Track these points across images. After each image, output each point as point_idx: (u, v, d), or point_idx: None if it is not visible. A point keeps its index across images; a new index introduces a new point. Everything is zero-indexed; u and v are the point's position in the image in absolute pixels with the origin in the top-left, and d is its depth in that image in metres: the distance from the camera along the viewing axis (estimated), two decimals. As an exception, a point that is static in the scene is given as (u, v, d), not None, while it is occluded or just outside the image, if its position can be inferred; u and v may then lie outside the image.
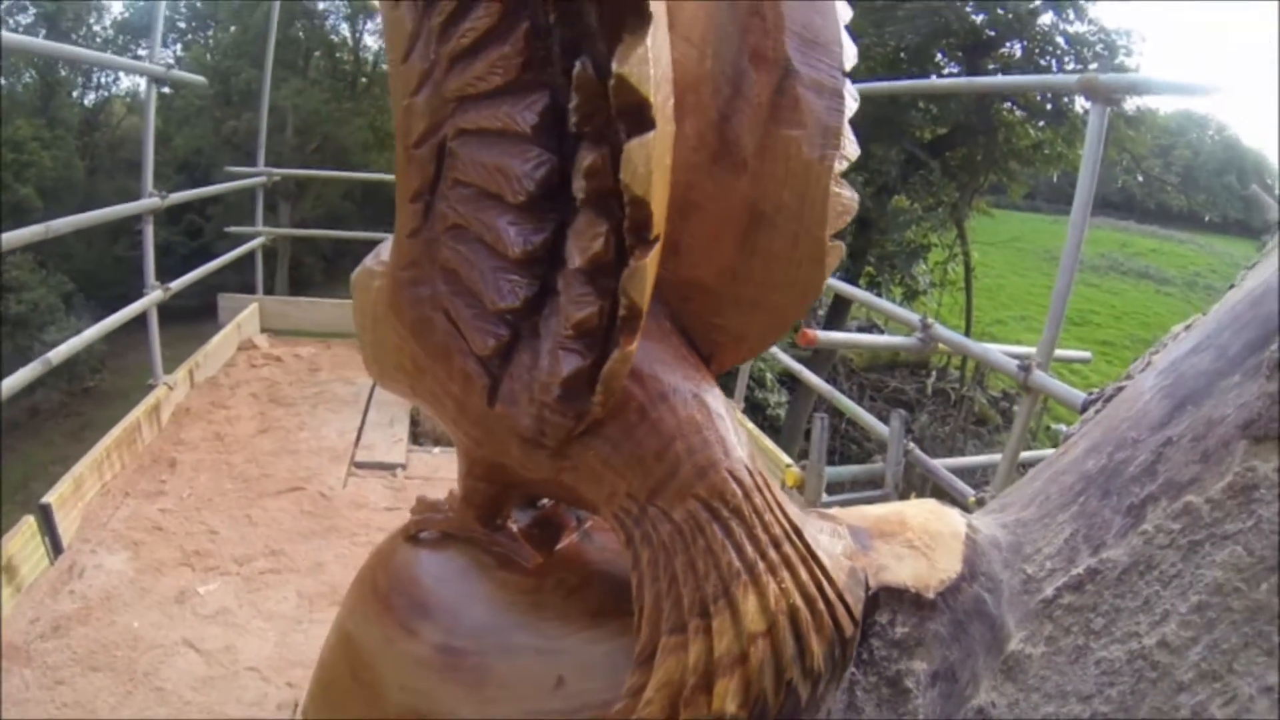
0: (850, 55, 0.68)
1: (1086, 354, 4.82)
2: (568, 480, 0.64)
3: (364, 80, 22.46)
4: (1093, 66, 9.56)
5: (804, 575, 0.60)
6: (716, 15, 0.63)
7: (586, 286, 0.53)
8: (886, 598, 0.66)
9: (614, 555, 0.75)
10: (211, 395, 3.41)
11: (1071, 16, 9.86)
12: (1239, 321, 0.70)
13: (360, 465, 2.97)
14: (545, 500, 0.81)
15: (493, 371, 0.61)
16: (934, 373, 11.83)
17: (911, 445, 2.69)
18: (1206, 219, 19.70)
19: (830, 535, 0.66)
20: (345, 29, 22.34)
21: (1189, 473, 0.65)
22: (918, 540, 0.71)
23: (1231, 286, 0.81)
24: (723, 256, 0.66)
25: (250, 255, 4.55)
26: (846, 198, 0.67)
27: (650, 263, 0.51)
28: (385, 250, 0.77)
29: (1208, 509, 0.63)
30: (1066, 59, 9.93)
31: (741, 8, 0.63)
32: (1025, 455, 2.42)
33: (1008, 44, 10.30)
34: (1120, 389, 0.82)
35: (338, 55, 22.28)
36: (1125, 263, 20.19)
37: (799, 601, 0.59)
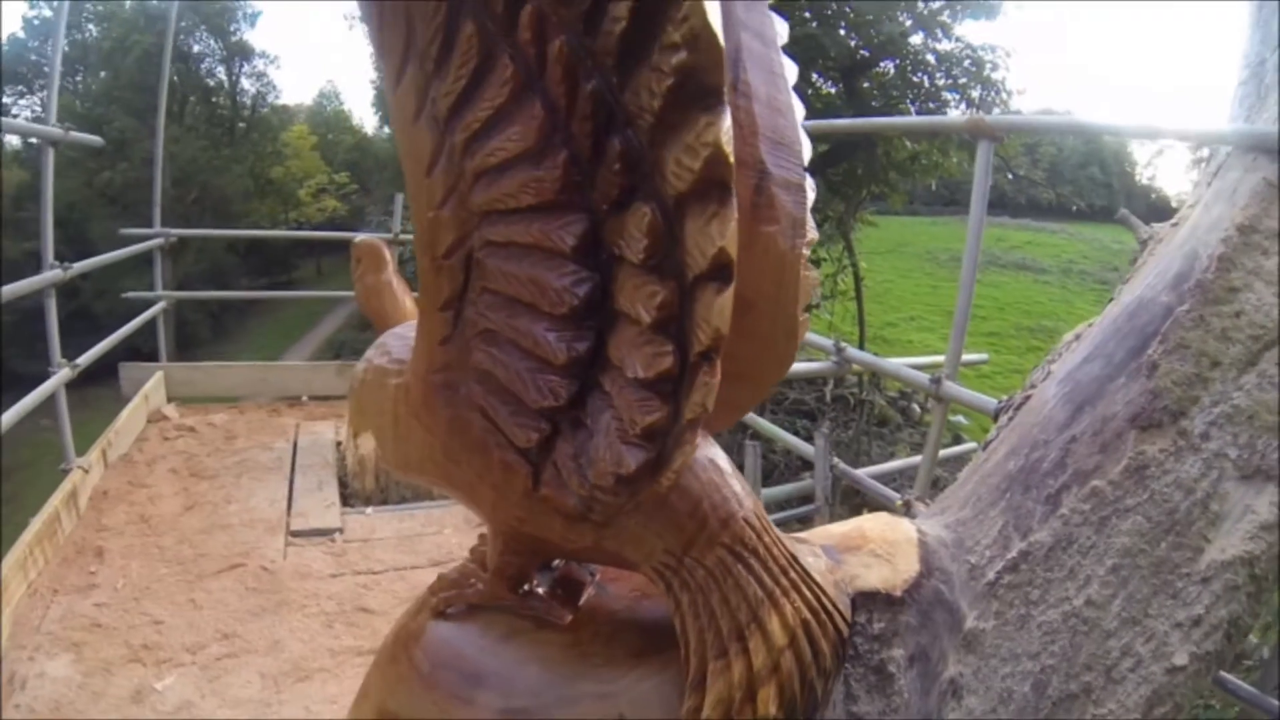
0: (807, 150, 0.77)
1: (984, 356, 5.19)
2: (610, 546, 0.71)
3: (242, 125, 21.39)
4: (962, 81, 10.29)
5: (807, 593, 0.71)
6: None
7: (646, 392, 0.59)
8: (863, 601, 0.77)
9: (631, 601, 0.83)
10: (128, 474, 3.21)
11: (940, 35, 10.54)
12: (1120, 333, 0.87)
13: (297, 534, 2.87)
14: (558, 562, 0.88)
15: (533, 460, 0.67)
16: (831, 381, 12.05)
17: (836, 459, 2.86)
18: (1074, 209, 20.63)
19: (812, 556, 0.77)
20: (221, 72, 21.32)
21: (1092, 462, 0.81)
22: (879, 549, 0.82)
23: (1111, 300, 0.98)
24: None
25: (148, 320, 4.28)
26: (812, 278, 0.78)
27: (719, 377, 0.58)
28: (394, 346, 0.81)
29: (1110, 489, 0.79)
30: (937, 75, 10.62)
31: None
32: (941, 453, 2.61)
33: (882, 63, 10.85)
34: (1027, 397, 0.97)
35: (214, 100, 21.17)
36: (1003, 256, 20.73)
37: (808, 615, 0.70)
